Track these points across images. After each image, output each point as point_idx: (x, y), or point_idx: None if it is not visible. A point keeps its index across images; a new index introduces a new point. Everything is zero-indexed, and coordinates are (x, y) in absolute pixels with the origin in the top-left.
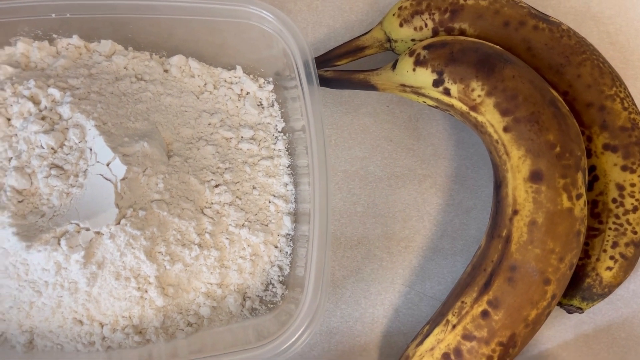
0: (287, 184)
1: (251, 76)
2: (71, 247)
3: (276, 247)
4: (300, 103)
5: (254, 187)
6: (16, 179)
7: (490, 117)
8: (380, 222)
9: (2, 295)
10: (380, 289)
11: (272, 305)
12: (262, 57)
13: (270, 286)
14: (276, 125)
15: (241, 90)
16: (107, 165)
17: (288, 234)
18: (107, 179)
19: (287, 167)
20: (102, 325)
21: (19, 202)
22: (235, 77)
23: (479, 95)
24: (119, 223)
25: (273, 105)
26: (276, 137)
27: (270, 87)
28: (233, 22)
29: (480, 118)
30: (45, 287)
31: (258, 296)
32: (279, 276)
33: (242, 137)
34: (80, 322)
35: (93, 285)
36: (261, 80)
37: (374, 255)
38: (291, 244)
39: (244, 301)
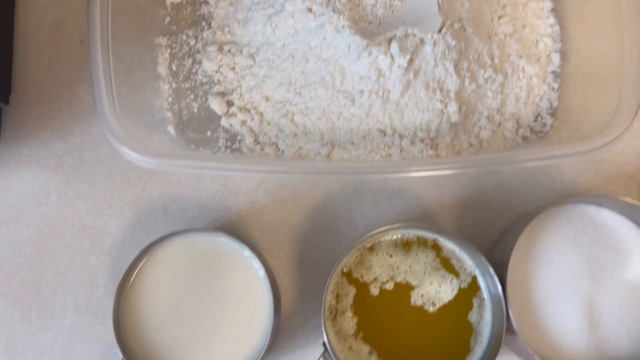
0: (552, 25)
1: None
2: (401, 50)
3: (544, 81)
4: None
5: (524, 26)
6: None
7: None
8: None
9: (311, 108)
10: None
11: (541, 134)
12: None
13: (540, 117)
14: None
15: None
16: None
17: (554, 71)
18: None
19: (550, 11)
20: (401, 137)
21: (350, 9)
22: None
23: None
24: (440, 31)
25: None
26: None
27: None
28: None
29: None
30: (360, 95)
31: (529, 126)
32: (547, 108)
33: None
34: (383, 132)
35: (404, 94)
36: None
37: None
38: (558, 80)
39: (518, 128)
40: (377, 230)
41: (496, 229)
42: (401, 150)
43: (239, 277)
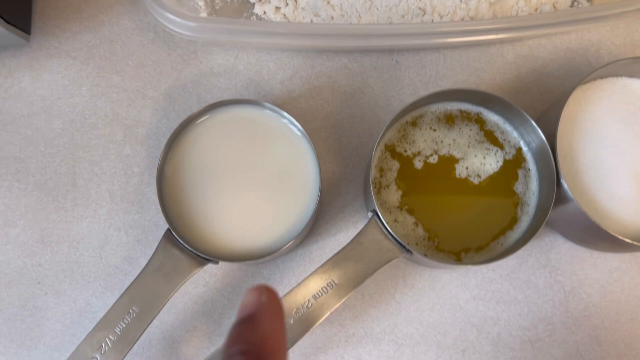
0: None
1: None
2: None
3: None
4: None
5: None
6: None
7: None
8: None
9: None
10: None
11: None
12: None
13: (576, 2)
14: None
15: None
16: None
17: None
18: None
19: None
20: (441, 15)
21: None
22: None
23: None
24: None
25: None
26: None
27: None
28: None
29: None
30: None
31: (565, 10)
32: None
33: None
34: (423, 10)
35: None
36: None
37: None
38: None
39: (555, 11)
40: (421, 96)
41: (535, 111)
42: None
43: (281, 145)
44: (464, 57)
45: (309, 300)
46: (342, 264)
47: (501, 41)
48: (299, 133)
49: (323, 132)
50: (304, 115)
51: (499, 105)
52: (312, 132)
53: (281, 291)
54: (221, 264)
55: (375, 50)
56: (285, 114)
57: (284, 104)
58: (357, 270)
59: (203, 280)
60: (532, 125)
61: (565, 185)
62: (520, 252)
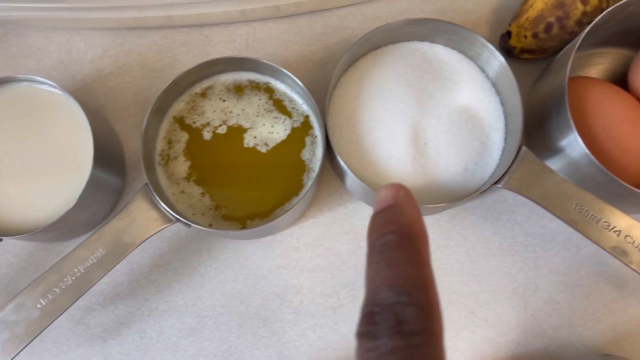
0: None
1: None
2: None
3: None
4: None
5: None
6: None
7: None
8: None
9: None
10: None
11: None
12: None
13: None
14: None
15: None
16: None
17: None
18: None
19: None
20: None
21: None
22: None
23: None
24: None
25: None
26: None
27: None
28: None
29: None
30: None
31: None
32: None
33: None
34: None
35: None
36: None
37: None
38: None
39: None
40: (197, 64)
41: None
42: None
43: (57, 124)
44: (274, 30)
45: (76, 270)
46: (109, 234)
47: (310, 12)
48: (61, 92)
49: (132, 108)
50: (112, 93)
51: (284, 76)
52: (121, 110)
53: None
54: (24, 244)
55: (186, 26)
56: (42, 79)
57: (93, 82)
58: (123, 240)
59: (7, 261)
60: (307, 94)
61: (337, 155)
62: (324, 220)
